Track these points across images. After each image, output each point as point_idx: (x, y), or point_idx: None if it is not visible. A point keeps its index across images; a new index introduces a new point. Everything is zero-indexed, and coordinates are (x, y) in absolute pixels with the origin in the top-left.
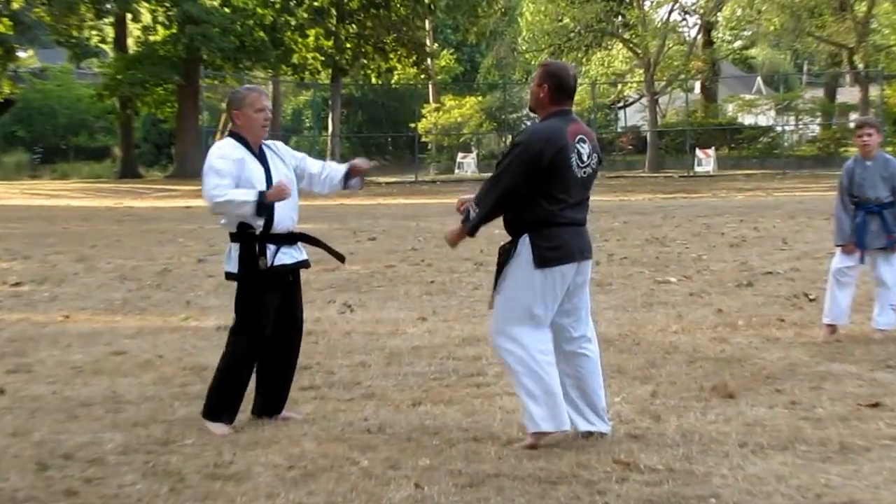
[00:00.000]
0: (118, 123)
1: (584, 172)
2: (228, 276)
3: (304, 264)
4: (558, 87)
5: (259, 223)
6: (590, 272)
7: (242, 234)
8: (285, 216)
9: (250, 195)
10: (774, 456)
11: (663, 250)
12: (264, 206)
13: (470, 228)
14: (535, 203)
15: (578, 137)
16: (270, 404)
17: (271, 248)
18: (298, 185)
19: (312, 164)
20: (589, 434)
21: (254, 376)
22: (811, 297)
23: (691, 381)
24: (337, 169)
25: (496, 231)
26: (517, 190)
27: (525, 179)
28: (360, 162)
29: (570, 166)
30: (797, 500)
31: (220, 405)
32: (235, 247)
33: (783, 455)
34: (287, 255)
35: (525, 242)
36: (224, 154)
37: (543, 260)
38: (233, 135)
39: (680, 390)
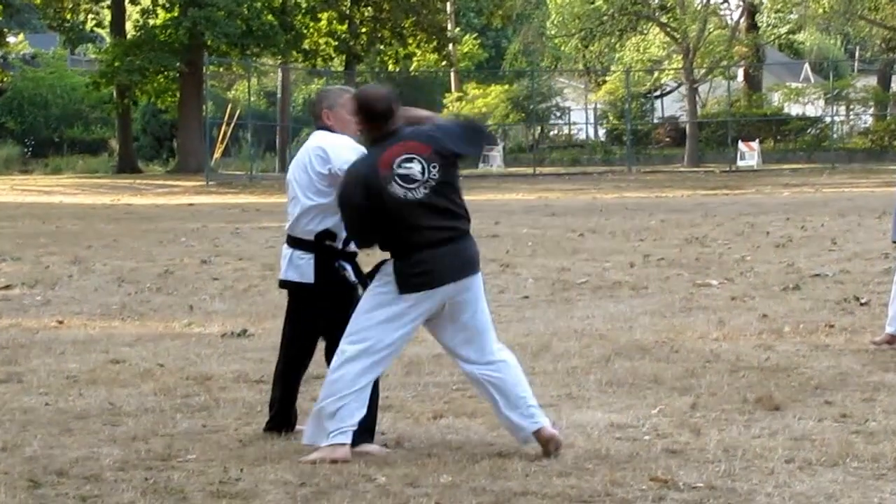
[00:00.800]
0: (115, 114)
1: (420, 193)
2: (290, 285)
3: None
4: (367, 116)
5: (343, 234)
6: (478, 287)
7: (319, 245)
8: None
9: None
10: (824, 473)
11: (703, 251)
12: None
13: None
14: (390, 238)
15: (399, 160)
16: (287, 420)
17: (349, 266)
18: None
19: None
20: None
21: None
22: (863, 300)
23: (734, 392)
24: None
25: (524, 231)
26: (362, 240)
27: (361, 230)
28: None
29: (393, 196)
30: None
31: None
32: (305, 256)
33: (833, 472)
34: (354, 275)
35: (389, 269)
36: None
37: (407, 286)
38: (324, 128)
39: (721, 402)
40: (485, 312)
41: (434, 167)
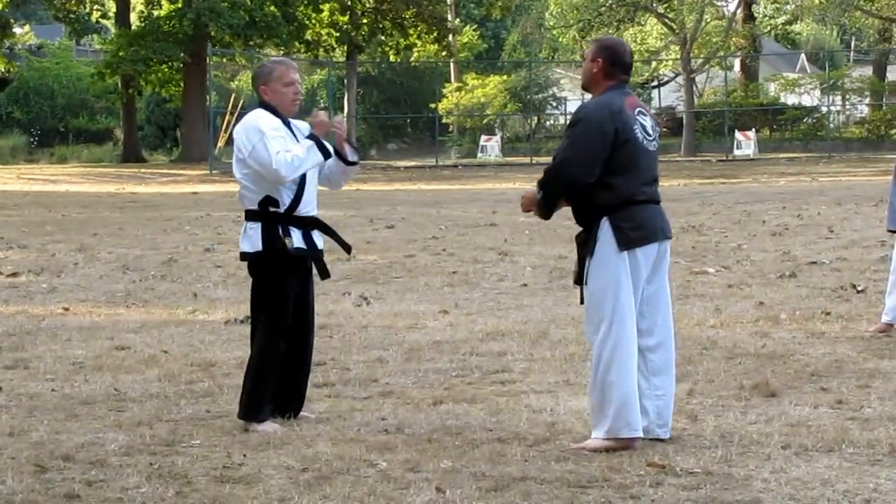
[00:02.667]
0: (120, 104)
1: (652, 146)
2: (245, 256)
3: (322, 252)
4: (613, 62)
5: (286, 200)
6: (669, 253)
7: (264, 213)
8: (311, 198)
9: (307, 143)
10: (819, 458)
11: (700, 239)
12: (324, 147)
13: (544, 213)
14: (607, 183)
15: (637, 110)
16: (286, 404)
17: (296, 231)
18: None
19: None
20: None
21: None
22: (859, 288)
23: (730, 379)
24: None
25: (520, 220)
26: (584, 170)
27: (591, 157)
28: (339, 124)
29: (636, 138)
30: None
31: (260, 405)
32: (254, 226)
33: (829, 458)
34: (308, 241)
35: (604, 226)
36: (267, 121)
37: (627, 241)
38: (264, 105)
39: (718, 388)
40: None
41: (657, 128)
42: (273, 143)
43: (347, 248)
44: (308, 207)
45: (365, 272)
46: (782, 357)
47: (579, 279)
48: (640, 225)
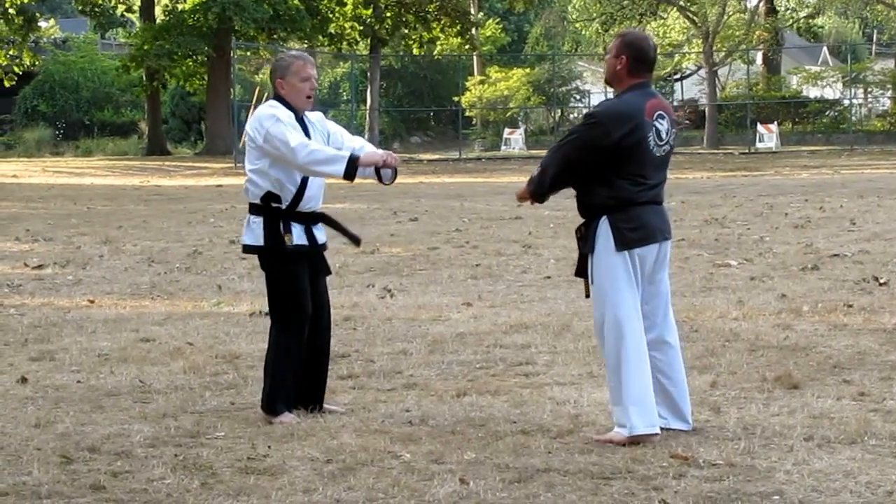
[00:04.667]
0: (145, 97)
1: (663, 150)
2: (247, 249)
3: (324, 247)
4: (637, 59)
5: (288, 196)
6: (669, 254)
7: (267, 207)
8: (315, 194)
9: (340, 153)
10: (842, 450)
11: (723, 232)
12: (354, 169)
13: (533, 192)
14: (610, 182)
15: (657, 114)
16: (306, 395)
17: (297, 226)
18: None
19: (350, 142)
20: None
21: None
22: (881, 280)
23: (753, 371)
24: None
25: (545, 212)
26: (578, 162)
27: (587, 154)
28: (393, 160)
29: (646, 145)
30: (866, 498)
31: (277, 399)
32: (257, 219)
33: (851, 450)
34: (309, 237)
35: (603, 225)
36: (282, 111)
37: (625, 242)
38: (278, 98)
39: (741, 380)
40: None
41: (674, 131)
42: (289, 133)
43: (356, 240)
44: (311, 203)
45: (389, 264)
46: (805, 349)
47: (580, 272)
48: (639, 226)
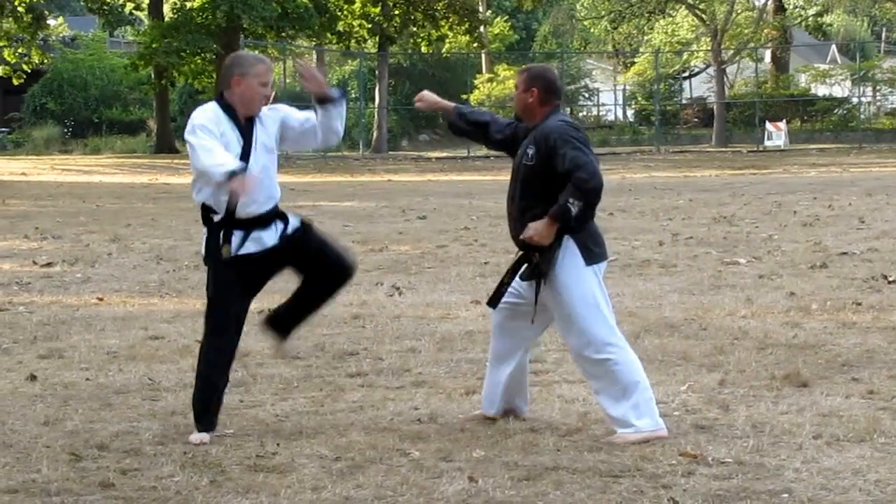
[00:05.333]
0: (153, 95)
1: None
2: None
3: (274, 250)
4: (547, 89)
5: (220, 208)
6: None
7: (206, 219)
8: (258, 197)
9: (227, 165)
10: (851, 449)
11: (731, 230)
12: (224, 187)
13: (576, 226)
14: None
15: None
16: (278, 320)
17: (238, 234)
18: (283, 147)
19: (296, 117)
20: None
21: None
22: (890, 278)
23: (762, 369)
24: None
25: None
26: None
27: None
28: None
29: None
30: (875, 496)
31: (197, 412)
32: (203, 230)
33: (860, 448)
34: (255, 243)
35: (569, 243)
36: (209, 118)
37: (591, 257)
38: (220, 100)
39: (749, 378)
40: None
41: None
42: (202, 137)
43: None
44: (252, 208)
45: (397, 262)
46: (813, 347)
47: (494, 301)
48: (598, 242)
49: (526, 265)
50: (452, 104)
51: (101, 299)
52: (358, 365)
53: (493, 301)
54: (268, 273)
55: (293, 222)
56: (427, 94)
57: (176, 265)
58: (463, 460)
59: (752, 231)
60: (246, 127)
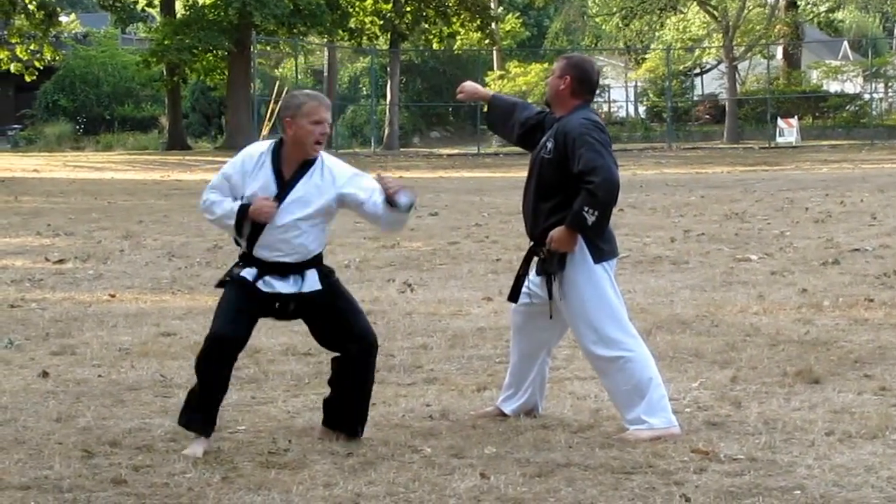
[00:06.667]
0: (165, 92)
1: None
2: None
3: (282, 297)
4: (581, 80)
5: (242, 241)
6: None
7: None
8: (271, 243)
9: (233, 208)
10: (863, 445)
11: (743, 226)
12: (243, 223)
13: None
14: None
15: None
16: (331, 419)
17: (251, 270)
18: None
19: (359, 199)
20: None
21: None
22: None
23: (774, 366)
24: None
25: None
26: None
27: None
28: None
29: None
30: (888, 493)
31: (186, 413)
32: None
33: (872, 444)
34: (265, 284)
35: (579, 241)
36: (238, 161)
37: (601, 254)
38: (279, 142)
39: (762, 375)
40: None
41: None
42: (222, 178)
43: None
44: (266, 252)
45: (409, 259)
46: (825, 344)
47: (513, 295)
48: (608, 239)
49: (536, 259)
50: (491, 93)
51: (113, 296)
52: None
53: (513, 295)
54: (273, 312)
55: (311, 282)
56: (468, 85)
57: (188, 262)
58: (475, 457)
59: (763, 227)
60: (295, 173)
